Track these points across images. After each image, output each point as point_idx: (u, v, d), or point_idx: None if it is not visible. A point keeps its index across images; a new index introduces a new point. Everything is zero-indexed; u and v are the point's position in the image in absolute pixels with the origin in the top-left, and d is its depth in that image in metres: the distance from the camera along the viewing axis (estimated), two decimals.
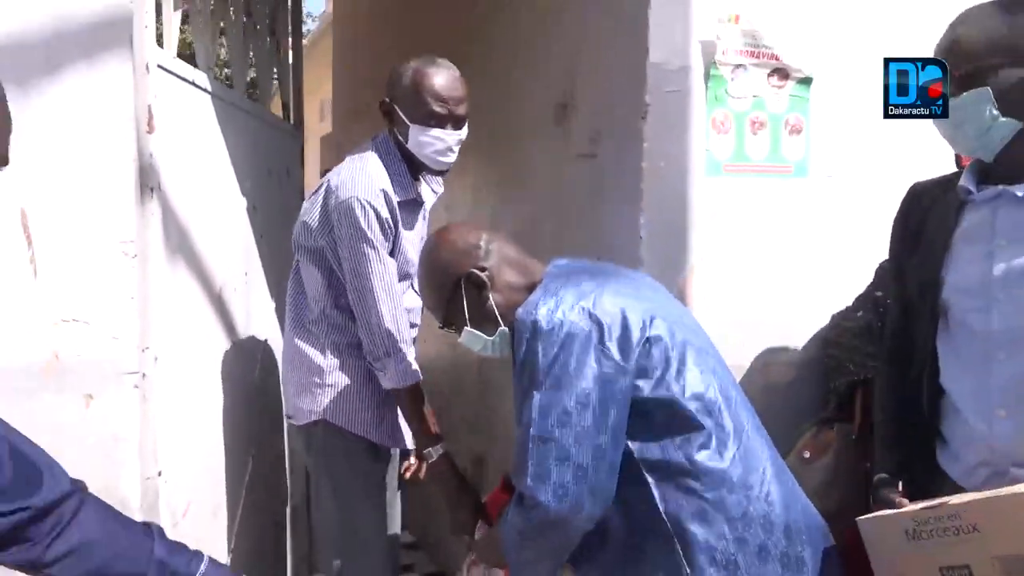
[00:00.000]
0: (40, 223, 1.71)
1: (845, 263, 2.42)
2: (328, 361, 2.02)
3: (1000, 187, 1.48)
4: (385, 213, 1.91)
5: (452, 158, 2.00)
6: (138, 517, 1.79)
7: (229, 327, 2.33)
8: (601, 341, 1.38)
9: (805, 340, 2.40)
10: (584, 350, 1.37)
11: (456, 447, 3.67)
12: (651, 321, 1.44)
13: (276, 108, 3.21)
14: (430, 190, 2.15)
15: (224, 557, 2.26)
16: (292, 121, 3.07)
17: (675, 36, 2.25)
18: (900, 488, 1.54)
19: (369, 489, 2.08)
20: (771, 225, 2.37)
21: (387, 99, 1.99)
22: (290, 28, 3.06)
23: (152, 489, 1.82)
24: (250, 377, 2.44)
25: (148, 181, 1.81)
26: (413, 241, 2.06)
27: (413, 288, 2.10)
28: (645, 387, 1.40)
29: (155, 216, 1.83)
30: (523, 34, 3.07)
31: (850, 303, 2.37)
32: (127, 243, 1.75)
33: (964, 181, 1.56)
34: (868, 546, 1.51)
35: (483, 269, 1.57)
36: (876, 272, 2.33)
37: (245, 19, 2.65)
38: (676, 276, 2.27)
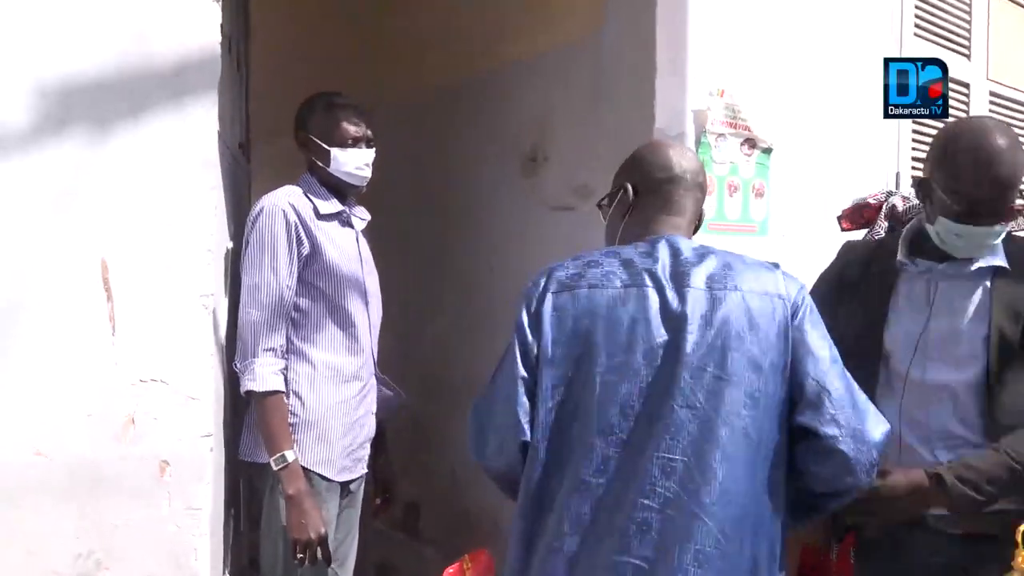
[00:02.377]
0: (120, 274, 1.57)
1: None
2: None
3: (931, 263, 1.74)
4: (293, 218, 2.04)
5: (369, 172, 2.22)
6: None
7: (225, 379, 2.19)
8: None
9: None
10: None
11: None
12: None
13: None
14: (357, 217, 2.28)
15: None
16: (246, 156, 2.92)
17: (675, 105, 2.47)
18: None
19: None
20: None
21: (303, 133, 2.19)
22: (246, 58, 2.93)
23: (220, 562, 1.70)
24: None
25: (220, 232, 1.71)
26: (348, 259, 2.16)
27: (364, 304, 2.20)
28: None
29: (223, 267, 1.73)
30: (482, 79, 3.17)
31: None
32: (207, 296, 1.64)
33: (901, 255, 1.80)
34: None
35: (633, 190, 1.53)
36: None
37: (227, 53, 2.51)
38: None
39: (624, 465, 1.35)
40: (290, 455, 1.97)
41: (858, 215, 2.63)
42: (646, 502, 1.33)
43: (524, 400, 1.38)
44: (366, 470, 2.26)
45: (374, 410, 2.26)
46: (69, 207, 1.53)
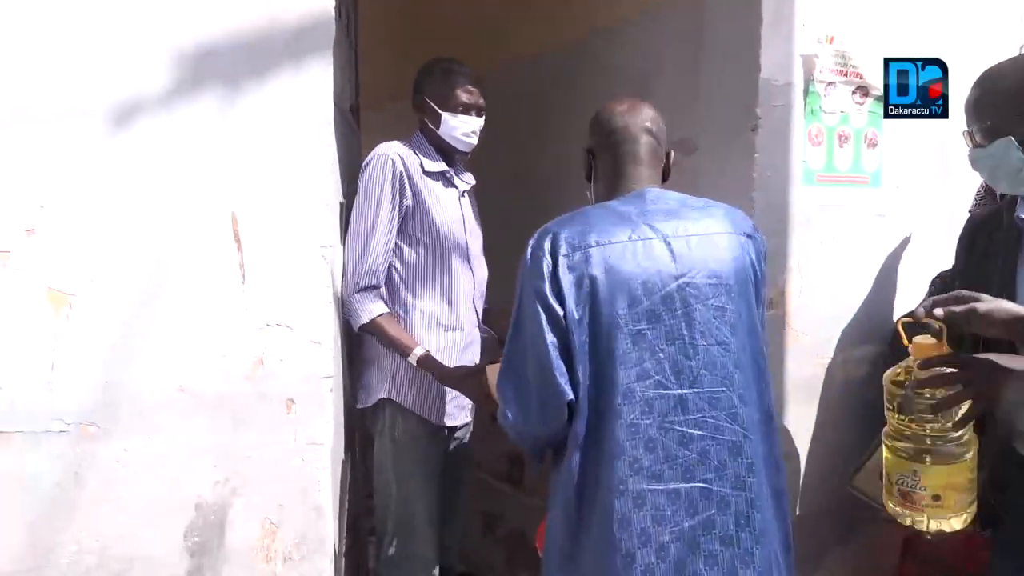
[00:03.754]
0: (248, 227, 1.69)
1: (910, 266, 2.67)
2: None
3: None
4: (400, 167, 2.17)
5: (475, 140, 2.33)
6: (330, 521, 1.80)
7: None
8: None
9: (879, 336, 2.62)
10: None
11: (490, 447, 3.78)
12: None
13: None
14: (462, 180, 2.39)
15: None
16: (355, 119, 3.05)
17: (781, 54, 2.41)
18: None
19: (424, 470, 2.21)
20: (852, 231, 2.57)
21: (420, 96, 2.33)
22: (355, 23, 3.04)
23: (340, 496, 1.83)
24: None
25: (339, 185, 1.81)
26: (450, 217, 2.26)
27: (465, 261, 2.31)
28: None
29: (338, 221, 1.84)
30: (586, 41, 3.18)
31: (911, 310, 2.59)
32: (327, 247, 1.75)
33: (1020, 210, 1.73)
34: None
35: (592, 153, 1.68)
36: (933, 283, 2.56)
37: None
38: (778, 278, 2.44)
39: (667, 404, 1.46)
40: (418, 350, 2.13)
41: None
42: (700, 432, 1.47)
43: (560, 364, 1.47)
44: (469, 419, 2.38)
45: (477, 362, 2.37)
46: (203, 164, 1.66)
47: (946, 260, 2.58)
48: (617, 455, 1.44)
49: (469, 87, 2.31)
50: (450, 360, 2.22)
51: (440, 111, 2.27)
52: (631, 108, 1.67)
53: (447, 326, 2.25)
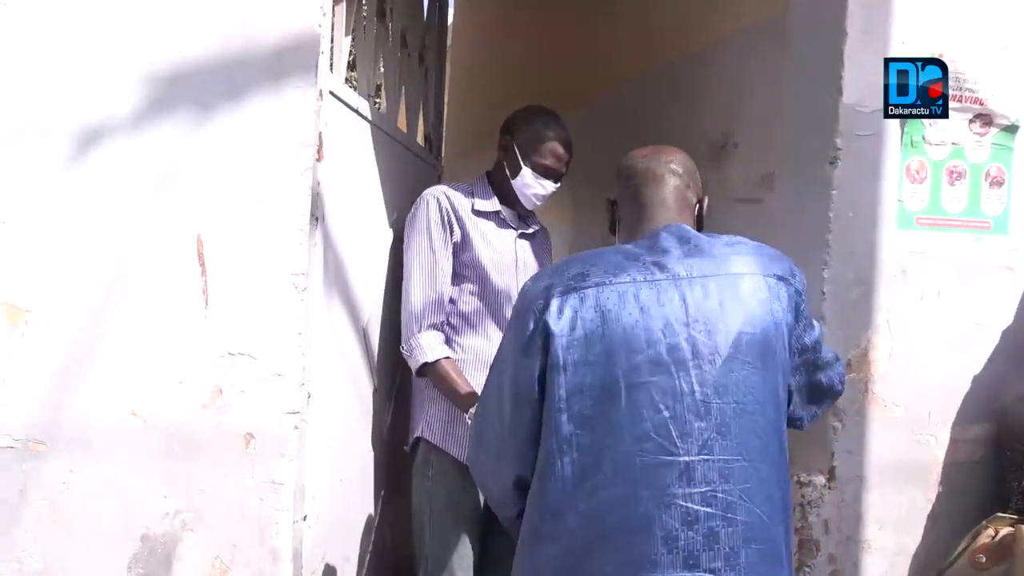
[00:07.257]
0: (215, 251, 1.64)
1: None
2: (422, 380, 2.12)
3: None
4: (445, 204, 2.15)
5: (541, 203, 2.27)
6: (287, 566, 1.69)
7: (370, 364, 2.23)
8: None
9: (993, 414, 2.16)
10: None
11: None
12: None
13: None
14: (524, 224, 2.31)
15: None
16: (433, 152, 3.00)
17: (870, 76, 2.07)
18: None
19: (456, 513, 2.09)
20: (965, 286, 2.14)
21: (508, 137, 2.24)
22: (436, 54, 3.01)
23: (299, 535, 1.71)
24: (383, 415, 2.34)
25: (316, 211, 1.73)
26: (500, 257, 2.19)
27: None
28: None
29: (319, 247, 1.74)
30: (672, 69, 2.94)
31: None
32: (298, 275, 1.66)
33: None
34: None
35: (614, 204, 1.53)
36: None
37: (401, 47, 2.59)
38: (860, 335, 2.07)
39: (669, 474, 1.24)
40: (474, 409, 1.98)
41: None
42: (709, 510, 1.24)
43: (526, 423, 1.32)
44: None
45: None
46: (170, 185, 1.63)
47: None
48: (603, 537, 1.24)
49: (560, 151, 2.21)
50: None
51: (523, 164, 2.19)
52: (654, 152, 1.51)
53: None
